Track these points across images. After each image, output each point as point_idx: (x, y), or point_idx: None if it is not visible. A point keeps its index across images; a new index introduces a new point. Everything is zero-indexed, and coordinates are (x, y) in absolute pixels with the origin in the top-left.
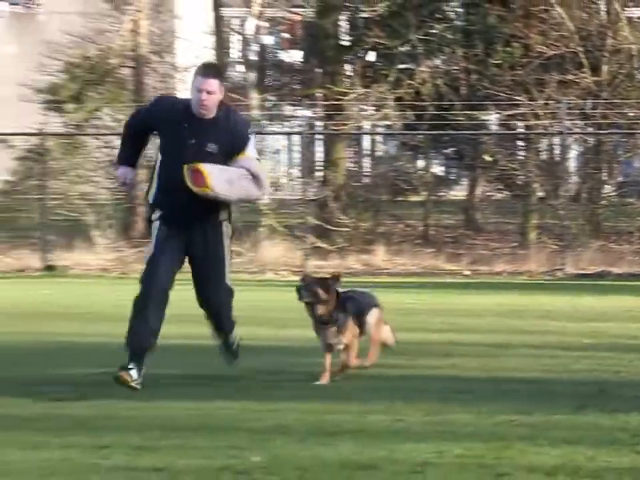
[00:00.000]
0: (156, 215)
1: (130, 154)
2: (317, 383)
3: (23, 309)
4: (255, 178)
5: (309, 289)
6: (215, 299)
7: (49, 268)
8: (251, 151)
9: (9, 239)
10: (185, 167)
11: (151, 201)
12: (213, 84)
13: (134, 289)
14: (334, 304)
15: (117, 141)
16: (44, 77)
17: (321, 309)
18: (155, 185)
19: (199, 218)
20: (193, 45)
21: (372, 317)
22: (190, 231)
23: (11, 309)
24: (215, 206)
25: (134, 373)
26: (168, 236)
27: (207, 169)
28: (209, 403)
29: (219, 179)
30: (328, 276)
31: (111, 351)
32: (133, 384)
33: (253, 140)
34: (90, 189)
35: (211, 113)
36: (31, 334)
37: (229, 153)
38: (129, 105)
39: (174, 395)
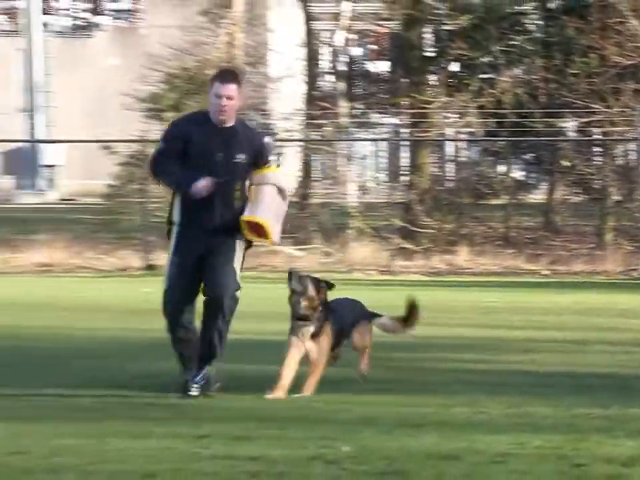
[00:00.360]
0: (176, 233)
1: (185, 170)
2: (269, 396)
3: (125, 306)
4: (282, 192)
5: (301, 280)
6: (217, 300)
7: (150, 267)
8: (274, 162)
9: (112, 240)
10: (243, 220)
11: (176, 221)
12: (232, 89)
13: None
14: (318, 307)
15: None
16: (145, 87)
17: (304, 304)
18: (178, 204)
19: (222, 231)
20: (284, 57)
21: (360, 329)
22: (209, 240)
23: (115, 306)
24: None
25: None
26: (185, 260)
27: (264, 218)
28: (302, 396)
29: (274, 225)
30: (322, 279)
31: None
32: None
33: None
34: None
35: (231, 120)
36: (134, 330)
37: (255, 163)
38: None
39: (269, 388)
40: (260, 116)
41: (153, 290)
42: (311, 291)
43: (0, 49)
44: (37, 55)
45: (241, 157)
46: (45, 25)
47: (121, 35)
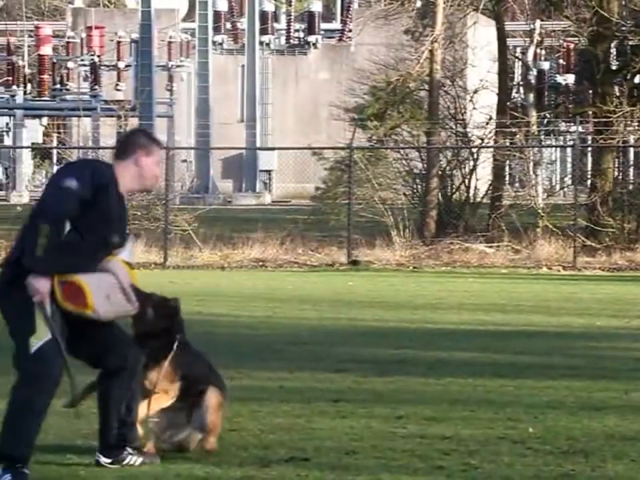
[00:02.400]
0: None
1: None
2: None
3: (332, 297)
4: (124, 290)
5: (143, 299)
6: None
7: (354, 262)
8: (127, 251)
9: (320, 237)
10: (56, 279)
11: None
12: None
13: (427, 281)
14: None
15: (414, 154)
16: (352, 98)
17: (139, 326)
18: None
19: None
20: (479, 70)
21: (211, 397)
22: None
23: (323, 298)
24: None
25: None
26: None
27: (85, 281)
28: (490, 381)
29: (98, 295)
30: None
31: (408, 334)
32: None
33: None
34: (390, 194)
35: None
36: (340, 319)
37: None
38: (423, 122)
39: (462, 373)
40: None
41: (356, 283)
42: (150, 314)
43: (224, 65)
44: (256, 71)
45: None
46: (263, 43)
47: (330, 51)
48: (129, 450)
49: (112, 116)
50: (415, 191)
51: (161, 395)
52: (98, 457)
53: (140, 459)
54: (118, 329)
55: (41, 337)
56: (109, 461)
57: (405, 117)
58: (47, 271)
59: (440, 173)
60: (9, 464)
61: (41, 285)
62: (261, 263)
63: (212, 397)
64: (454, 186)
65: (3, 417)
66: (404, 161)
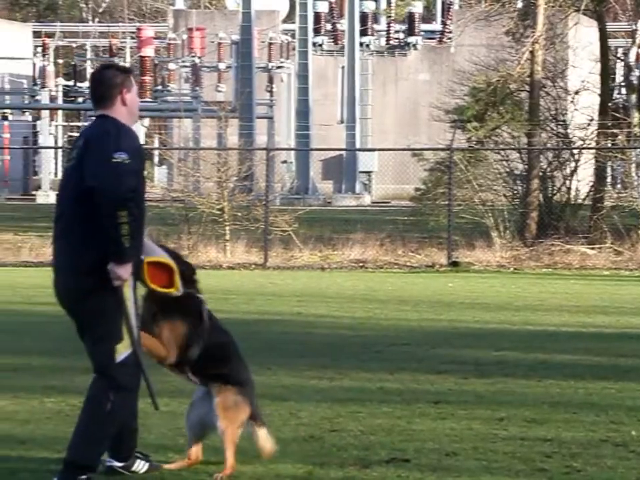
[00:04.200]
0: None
1: None
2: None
3: (432, 298)
4: None
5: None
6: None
7: (454, 264)
8: None
9: (420, 238)
10: (145, 261)
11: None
12: None
13: (527, 282)
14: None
15: (515, 155)
16: (452, 100)
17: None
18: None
19: None
20: (581, 71)
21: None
22: None
23: (423, 299)
24: None
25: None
26: None
27: (171, 261)
28: (592, 383)
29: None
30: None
31: (508, 336)
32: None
33: None
34: (490, 196)
35: None
36: (440, 320)
37: None
38: (524, 123)
39: (563, 375)
40: (559, 126)
41: (456, 284)
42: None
43: (324, 67)
44: (356, 72)
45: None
46: (363, 44)
47: (430, 52)
48: (139, 455)
49: (212, 117)
50: (515, 192)
51: (158, 343)
52: (110, 461)
53: (146, 466)
54: None
55: (127, 345)
56: (122, 465)
57: (505, 118)
58: (135, 258)
59: (541, 174)
60: (77, 473)
61: (124, 272)
62: (361, 264)
63: (226, 394)
64: (555, 187)
65: (77, 423)
66: (504, 162)
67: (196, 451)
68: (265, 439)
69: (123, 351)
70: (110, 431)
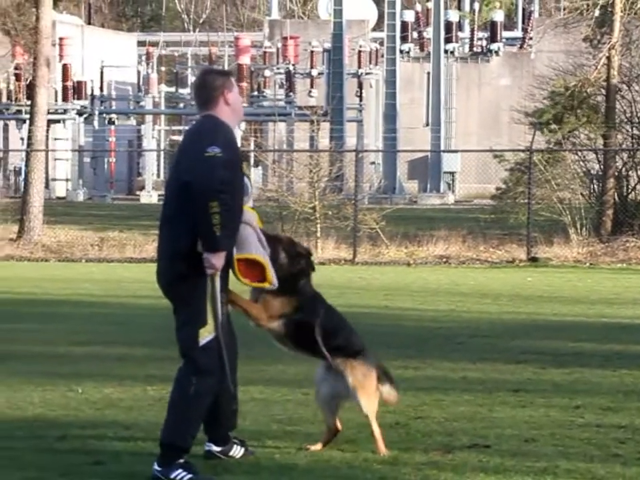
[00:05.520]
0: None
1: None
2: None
3: (512, 292)
4: (261, 241)
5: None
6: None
7: (533, 259)
8: (248, 195)
9: (500, 235)
10: (235, 257)
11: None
12: None
13: (603, 277)
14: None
15: (592, 156)
16: (531, 103)
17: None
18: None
19: None
20: None
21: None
22: None
23: (503, 293)
24: None
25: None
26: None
27: (261, 256)
28: None
29: (271, 267)
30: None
31: (584, 327)
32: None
33: None
34: (567, 194)
35: None
36: (519, 313)
37: None
38: (600, 126)
39: (637, 365)
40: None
41: (535, 279)
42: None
43: (410, 72)
44: (441, 78)
45: None
46: (447, 51)
47: (511, 58)
48: (235, 440)
49: (305, 121)
50: (591, 191)
51: (261, 309)
52: (209, 446)
53: (242, 451)
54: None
55: (211, 330)
56: (220, 449)
57: (582, 120)
58: (228, 248)
59: (616, 174)
60: (173, 455)
61: (218, 261)
62: (444, 260)
63: (355, 370)
64: (629, 186)
65: (167, 407)
66: (581, 163)
67: (335, 423)
68: (387, 393)
69: (206, 335)
70: (197, 414)
